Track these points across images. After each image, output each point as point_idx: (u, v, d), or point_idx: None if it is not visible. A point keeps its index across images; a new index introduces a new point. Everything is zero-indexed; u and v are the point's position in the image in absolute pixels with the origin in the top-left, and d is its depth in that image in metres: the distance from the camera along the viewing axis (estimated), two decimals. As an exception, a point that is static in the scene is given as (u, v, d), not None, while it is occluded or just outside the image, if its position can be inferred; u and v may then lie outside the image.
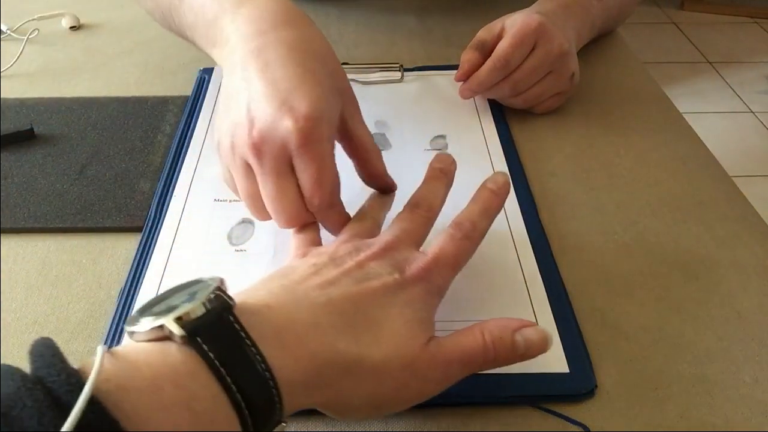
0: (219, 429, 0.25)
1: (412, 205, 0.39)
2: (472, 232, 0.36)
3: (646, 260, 0.45)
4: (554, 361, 0.37)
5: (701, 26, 2.60)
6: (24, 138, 0.55)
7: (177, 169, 0.52)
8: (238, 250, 0.45)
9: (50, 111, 0.59)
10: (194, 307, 0.26)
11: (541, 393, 0.36)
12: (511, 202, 0.49)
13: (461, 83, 0.58)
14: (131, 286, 0.42)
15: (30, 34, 0.70)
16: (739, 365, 0.38)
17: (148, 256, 0.44)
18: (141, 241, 0.45)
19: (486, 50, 0.57)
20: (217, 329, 0.26)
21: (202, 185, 0.50)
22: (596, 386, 0.36)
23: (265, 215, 0.39)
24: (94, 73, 0.66)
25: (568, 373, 0.37)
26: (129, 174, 0.52)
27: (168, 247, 0.45)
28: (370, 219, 0.41)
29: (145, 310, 0.28)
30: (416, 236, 0.38)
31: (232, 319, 0.26)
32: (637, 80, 0.65)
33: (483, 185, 0.39)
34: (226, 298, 0.27)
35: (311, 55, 0.39)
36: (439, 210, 0.40)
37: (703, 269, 0.44)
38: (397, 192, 0.49)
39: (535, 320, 0.40)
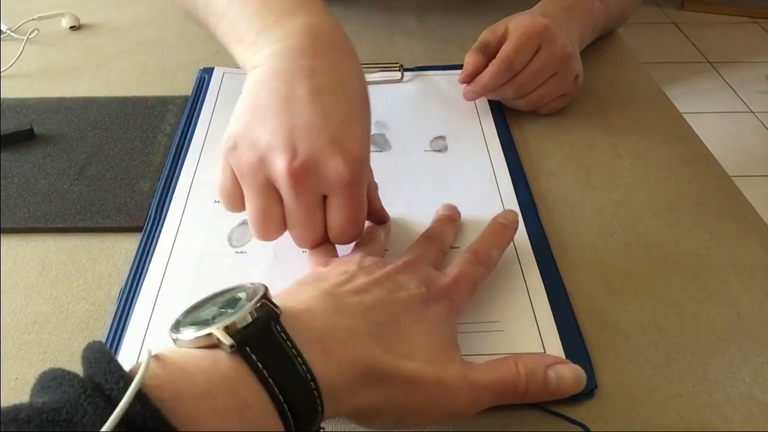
0: None
1: (427, 237, 0.41)
2: (487, 259, 0.38)
3: (646, 260, 0.45)
4: (554, 361, 0.37)
5: (701, 26, 2.60)
6: (24, 138, 0.55)
7: (177, 170, 0.52)
8: (238, 252, 0.44)
9: (50, 111, 0.59)
10: (242, 317, 0.26)
11: (541, 393, 0.36)
12: (511, 203, 0.49)
13: (465, 85, 0.58)
14: (131, 286, 0.42)
15: (30, 34, 0.70)
16: (739, 365, 0.38)
17: (148, 257, 0.44)
18: (141, 241, 0.45)
19: (490, 52, 0.56)
20: (264, 339, 0.26)
21: (202, 186, 0.50)
22: (596, 386, 0.37)
23: (269, 236, 0.38)
24: (94, 73, 0.66)
25: (568, 373, 0.37)
26: (129, 174, 0.52)
27: (168, 248, 0.45)
28: (377, 240, 0.42)
29: (188, 315, 0.28)
30: (433, 262, 0.39)
31: (279, 328, 0.27)
32: (637, 80, 0.65)
33: (495, 219, 0.42)
34: (272, 306, 0.28)
35: (359, 91, 0.38)
36: (449, 248, 0.42)
37: (703, 269, 0.44)
38: (397, 194, 0.49)
39: (534, 320, 0.40)
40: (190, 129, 0.56)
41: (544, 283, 0.42)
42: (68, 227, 0.47)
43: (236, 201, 0.38)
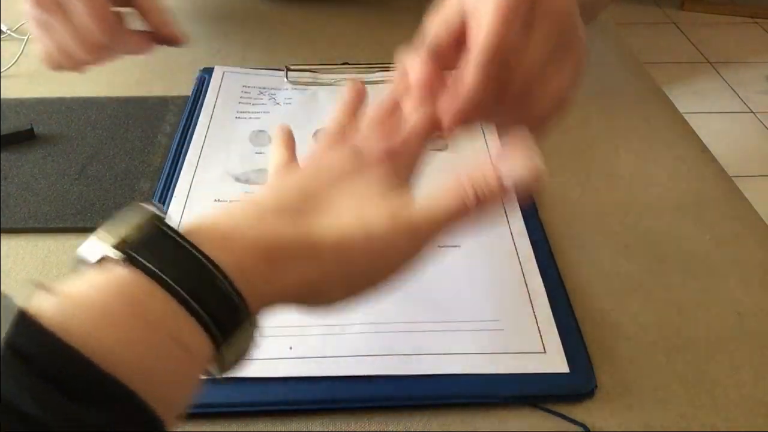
0: (187, 338, 0.24)
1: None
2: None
3: (646, 260, 0.45)
4: (554, 361, 0.37)
5: (701, 26, 2.59)
6: (24, 138, 0.55)
7: (177, 170, 0.52)
8: (238, 250, 0.44)
9: (50, 111, 0.59)
10: (129, 229, 0.25)
11: (541, 393, 0.36)
12: (511, 203, 0.49)
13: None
14: (131, 286, 0.42)
15: (30, 34, 0.70)
16: (739, 365, 0.38)
17: (148, 256, 0.44)
18: (141, 241, 0.45)
19: (442, 55, 0.36)
20: (153, 242, 0.25)
21: (202, 186, 0.50)
22: (596, 386, 0.36)
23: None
24: (94, 73, 0.66)
25: (568, 373, 0.37)
26: (129, 174, 0.52)
27: (168, 247, 0.45)
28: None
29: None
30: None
31: (166, 227, 0.26)
32: (637, 80, 0.65)
33: None
34: (155, 210, 0.26)
35: None
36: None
37: (703, 269, 0.44)
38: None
39: (535, 320, 0.40)
40: (190, 129, 0.56)
41: (543, 283, 0.42)
42: (68, 227, 0.47)
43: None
